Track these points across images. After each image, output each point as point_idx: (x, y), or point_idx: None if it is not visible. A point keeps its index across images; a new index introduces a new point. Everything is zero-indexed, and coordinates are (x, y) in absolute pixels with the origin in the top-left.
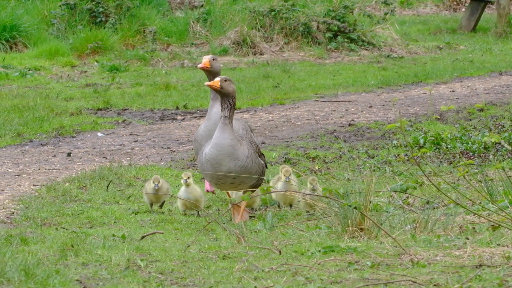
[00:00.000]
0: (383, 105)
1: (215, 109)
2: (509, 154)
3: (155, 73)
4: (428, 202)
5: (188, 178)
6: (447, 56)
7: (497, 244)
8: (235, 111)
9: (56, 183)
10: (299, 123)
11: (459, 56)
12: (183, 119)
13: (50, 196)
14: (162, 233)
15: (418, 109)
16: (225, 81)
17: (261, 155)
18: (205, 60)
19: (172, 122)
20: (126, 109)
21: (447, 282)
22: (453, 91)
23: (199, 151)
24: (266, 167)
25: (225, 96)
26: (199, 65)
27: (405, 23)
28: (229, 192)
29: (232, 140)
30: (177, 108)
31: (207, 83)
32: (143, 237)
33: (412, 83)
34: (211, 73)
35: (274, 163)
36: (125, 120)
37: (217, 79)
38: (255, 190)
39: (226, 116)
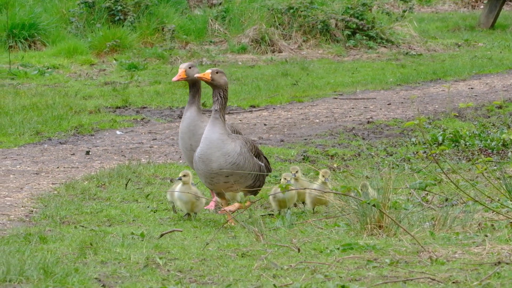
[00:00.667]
0: (402, 103)
1: (188, 113)
2: None
3: (174, 71)
4: (446, 200)
5: (185, 176)
6: (466, 53)
7: None
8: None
9: (75, 181)
10: (317, 120)
11: (477, 53)
12: None
13: (69, 195)
14: (181, 231)
15: (436, 106)
16: (217, 73)
17: (259, 156)
18: (181, 70)
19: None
20: (144, 107)
21: (466, 279)
22: (471, 88)
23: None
24: (270, 170)
25: (217, 89)
26: (174, 78)
27: (424, 20)
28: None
29: (222, 135)
30: None
31: (197, 74)
32: (162, 235)
33: (431, 81)
34: (191, 82)
35: (292, 161)
36: (143, 118)
37: (208, 70)
38: (257, 193)
39: (216, 110)
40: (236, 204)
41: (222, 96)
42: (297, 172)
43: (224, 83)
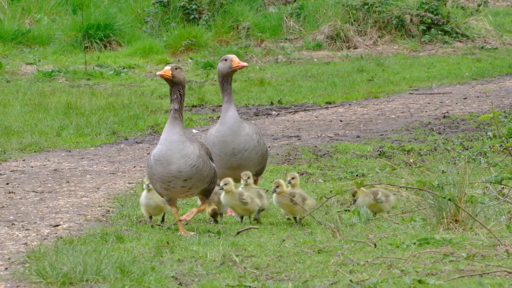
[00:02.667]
0: (478, 97)
1: (231, 112)
2: None
3: (249, 69)
4: None
5: (226, 184)
6: None
7: None
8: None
9: None
10: (393, 116)
11: None
12: (278, 114)
13: None
14: (257, 228)
15: None
16: (176, 69)
17: (211, 159)
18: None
19: (267, 117)
20: (220, 106)
21: None
22: None
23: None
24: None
25: (176, 86)
26: (158, 72)
27: (499, 14)
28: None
29: (182, 136)
30: (272, 103)
31: (158, 72)
32: (238, 233)
33: (507, 74)
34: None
35: (369, 157)
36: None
37: (168, 67)
38: (209, 195)
39: (176, 109)
40: (194, 210)
41: (182, 93)
42: (293, 178)
43: (183, 80)
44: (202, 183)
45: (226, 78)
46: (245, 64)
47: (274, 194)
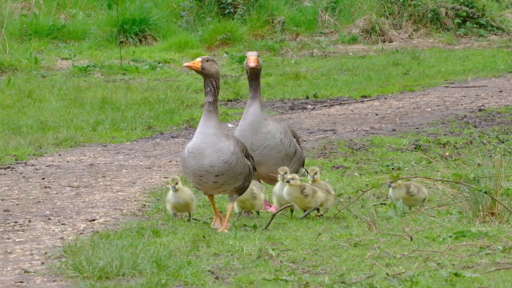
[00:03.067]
0: None
1: (252, 109)
2: None
3: (285, 63)
4: None
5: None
6: None
7: None
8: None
9: None
10: (429, 109)
11: None
12: (313, 108)
13: None
14: (290, 206)
15: None
16: (207, 61)
17: (248, 157)
18: (198, 59)
19: (302, 111)
20: None
21: None
22: None
23: None
24: (255, 169)
25: (208, 78)
26: (186, 64)
27: None
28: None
29: (217, 130)
30: (307, 97)
31: (185, 63)
32: (273, 217)
33: None
34: (254, 73)
35: (404, 150)
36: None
37: (198, 59)
38: (243, 192)
39: (210, 102)
40: (227, 216)
41: (215, 86)
42: (315, 174)
43: (216, 72)
44: (235, 181)
45: (251, 74)
46: (252, 64)
47: (286, 187)
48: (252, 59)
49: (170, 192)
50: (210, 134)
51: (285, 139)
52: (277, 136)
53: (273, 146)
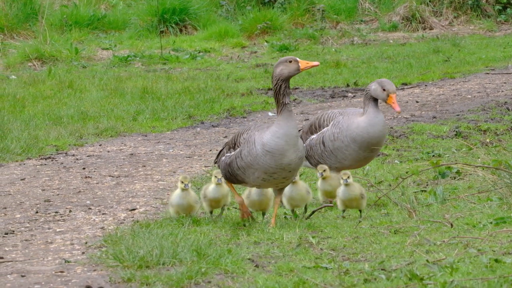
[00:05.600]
0: None
1: (379, 115)
2: None
3: (325, 51)
4: None
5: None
6: None
7: None
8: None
9: None
10: (469, 96)
11: None
12: (354, 96)
13: None
14: (332, 206)
15: None
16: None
17: None
18: (394, 96)
19: (343, 99)
20: (296, 88)
21: None
22: None
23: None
24: None
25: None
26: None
27: None
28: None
29: (297, 130)
30: (348, 85)
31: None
32: (311, 215)
33: None
34: None
35: (445, 137)
36: (295, 99)
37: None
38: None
39: (290, 103)
40: (274, 210)
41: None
42: (324, 171)
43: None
44: (295, 173)
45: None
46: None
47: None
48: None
49: (177, 193)
50: (293, 136)
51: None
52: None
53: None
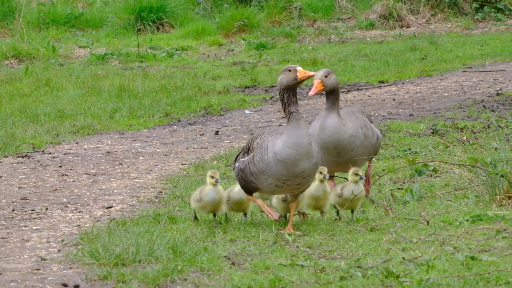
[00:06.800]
0: None
1: (330, 120)
2: None
3: (302, 49)
4: None
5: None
6: None
7: None
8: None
9: (204, 161)
10: (446, 94)
11: None
12: None
13: (198, 175)
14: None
15: None
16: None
17: None
18: (316, 81)
19: (320, 97)
20: (273, 86)
21: None
22: None
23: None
24: None
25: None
26: (310, 93)
27: None
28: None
29: (309, 137)
30: None
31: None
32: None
33: None
34: (329, 91)
35: (422, 135)
36: (272, 97)
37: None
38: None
39: (298, 111)
40: (291, 216)
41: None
42: (320, 173)
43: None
44: (310, 180)
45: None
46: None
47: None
48: (314, 85)
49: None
50: (305, 144)
51: (368, 132)
52: (360, 134)
53: (359, 145)
